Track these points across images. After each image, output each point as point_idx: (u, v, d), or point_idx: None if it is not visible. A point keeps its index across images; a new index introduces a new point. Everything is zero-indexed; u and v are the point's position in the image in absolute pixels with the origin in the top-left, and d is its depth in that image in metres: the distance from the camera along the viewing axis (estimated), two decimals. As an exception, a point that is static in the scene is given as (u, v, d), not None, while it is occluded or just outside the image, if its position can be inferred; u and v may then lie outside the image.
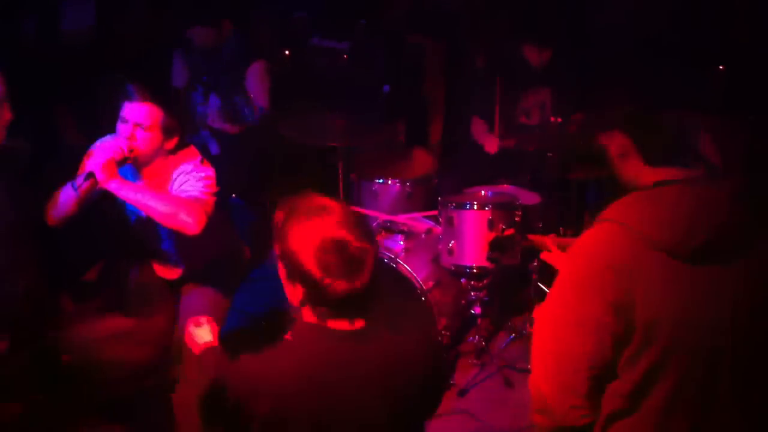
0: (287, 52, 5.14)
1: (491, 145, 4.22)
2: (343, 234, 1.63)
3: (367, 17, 4.89)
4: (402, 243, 3.70)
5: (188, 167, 2.94)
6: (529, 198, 3.94)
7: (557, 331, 1.68)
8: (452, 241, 3.59)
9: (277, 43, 5.10)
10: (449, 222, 3.60)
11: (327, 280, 1.61)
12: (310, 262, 1.62)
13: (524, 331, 3.91)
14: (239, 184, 4.39)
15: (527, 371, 2.40)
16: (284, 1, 5.36)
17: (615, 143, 1.76)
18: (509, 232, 3.48)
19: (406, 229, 3.79)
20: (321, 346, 1.68)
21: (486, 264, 3.56)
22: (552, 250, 2.25)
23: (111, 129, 2.98)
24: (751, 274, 1.62)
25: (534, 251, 3.76)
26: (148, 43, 4.52)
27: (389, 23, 4.99)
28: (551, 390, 1.67)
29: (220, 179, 3.00)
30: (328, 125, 3.93)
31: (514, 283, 4.01)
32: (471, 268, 3.62)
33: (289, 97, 4.56)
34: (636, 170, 1.74)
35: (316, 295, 1.65)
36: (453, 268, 3.64)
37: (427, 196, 4.09)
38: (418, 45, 4.74)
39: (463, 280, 3.72)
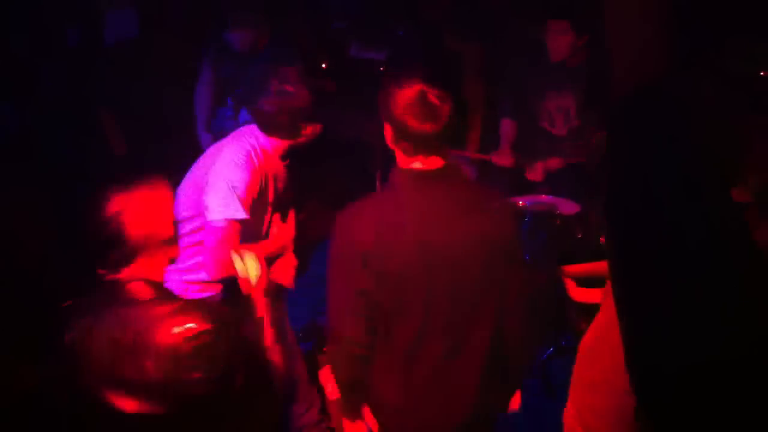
0: (324, 65, 5.14)
1: (504, 158, 4.23)
2: (423, 89, 2.12)
3: (405, 26, 4.88)
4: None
5: None
6: (568, 207, 3.89)
7: None
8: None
9: (316, 53, 5.11)
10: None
11: (413, 123, 2.10)
12: (401, 112, 2.11)
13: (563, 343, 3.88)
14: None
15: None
16: (321, 11, 5.37)
17: None
18: None
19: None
20: (411, 182, 2.16)
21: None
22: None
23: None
24: None
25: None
26: (187, 49, 4.50)
27: (427, 31, 4.96)
28: None
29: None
30: (366, 131, 3.91)
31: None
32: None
33: (327, 104, 4.55)
34: None
35: (405, 138, 2.13)
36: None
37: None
38: (457, 53, 4.70)
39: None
